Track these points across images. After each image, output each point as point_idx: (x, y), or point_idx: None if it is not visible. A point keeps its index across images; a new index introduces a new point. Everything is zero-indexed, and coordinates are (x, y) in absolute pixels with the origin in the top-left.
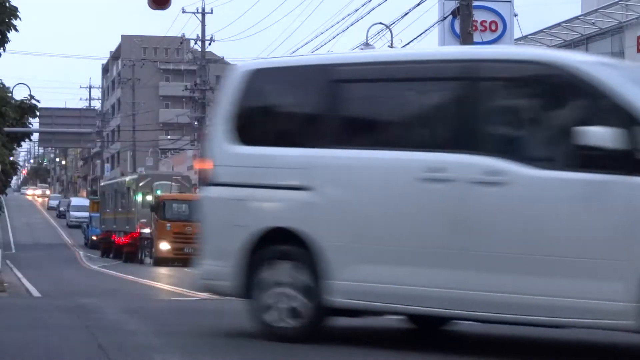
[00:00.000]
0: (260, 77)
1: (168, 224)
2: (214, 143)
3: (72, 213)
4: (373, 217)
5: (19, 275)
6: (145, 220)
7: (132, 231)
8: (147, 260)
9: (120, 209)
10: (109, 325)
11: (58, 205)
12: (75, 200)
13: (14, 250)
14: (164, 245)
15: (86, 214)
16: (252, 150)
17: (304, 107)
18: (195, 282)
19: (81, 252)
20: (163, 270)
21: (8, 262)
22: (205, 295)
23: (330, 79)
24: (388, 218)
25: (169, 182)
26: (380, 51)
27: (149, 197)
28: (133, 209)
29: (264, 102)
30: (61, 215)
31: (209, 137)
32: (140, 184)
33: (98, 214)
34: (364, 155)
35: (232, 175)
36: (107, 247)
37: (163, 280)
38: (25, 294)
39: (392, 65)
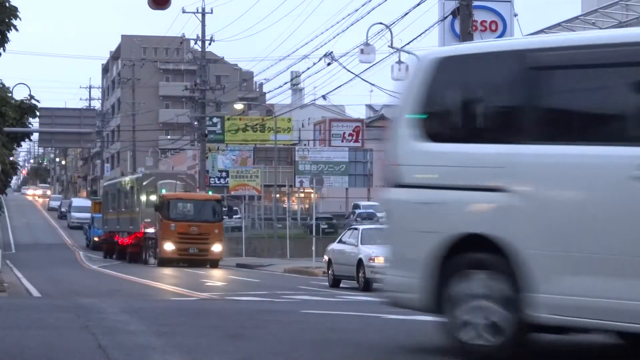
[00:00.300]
0: (449, 66)
1: (172, 224)
2: (398, 140)
3: (73, 214)
4: (580, 221)
5: (19, 275)
6: (149, 220)
7: (136, 231)
8: (152, 260)
9: (123, 209)
10: (109, 325)
11: (60, 206)
12: (76, 201)
13: (14, 250)
14: (169, 246)
15: (87, 215)
16: (441, 147)
17: (499, 99)
18: (380, 295)
19: (81, 252)
20: (167, 271)
21: (8, 262)
22: (205, 295)
23: (530, 65)
24: (597, 222)
25: (174, 181)
26: (588, 33)
27: (153, 196)
28: (137, 209)
29: (454, 94)
30: (63, 217)
31: (392, 134)
32: (144, 183)
33: (100, 215)
34: (568, 152)
35: (418, 175)
36: (110, 248)
37: (163, 281)
38: (25, 294)
39: (600, 49)
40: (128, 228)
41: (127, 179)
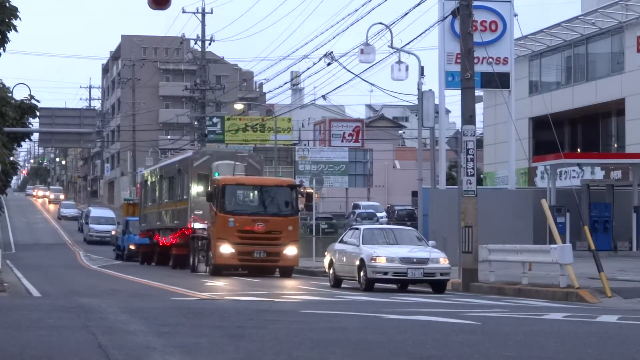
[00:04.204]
0: None
1: (231, 219)
2: None
3: (92, 226)
4: None
5: (19, 275)
6: (200, 213)
7: (182, 227)
8: (202, 267)
9: (167, 200)
10: (109, 325)
11: (80, 217)
12: (95, 211)
13: (14, 250)
14: (226, 248)
15: (110, 227)
16: None
17: None
18: None
19: (81, 252)
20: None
21: (8, 262)
22: (205, 295)
23: None
24: None
25: (232, 162)
26: None
27: (207, 181)
28: (185, 197)
29: None
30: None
31: None
32: (196, 164)
33: (135, 218)
34: None
35: None
36: (147, 251)
37: (163, 280)
38: (25, 294)
39: None
40: (172, 223)
41: (174, 160)
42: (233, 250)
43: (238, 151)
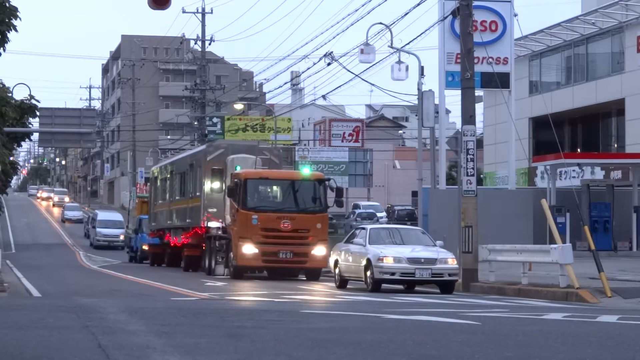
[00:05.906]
0: None
1: (254, 216)
2: None
3: (99, 230)
4: None
5: (19, 275)
6: (215, 210)
7: (195, 226)
8: (219, 269)
9: (178, 197)
10: (109, 325)
11: (87, 221)
12: (102, 214)
13: (14, 250)
14: (249, 248)
15: (117, 231)
16: None
17: None
18: None
19: (81, 252)
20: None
21: (8, 262)
22: (205, 295)
23: None
24: None
25: (252, 156)
26: None
27: (222, 177)
28: (198, 194)
29: None
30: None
31: None
32: (209, 158)
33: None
34: None
35: None
36: (157, 252)
37: (163, 280)
38: (25, 294)
39: None
40: (184, 222)
41: (185, 154)
42: (257, 251)
43: (260, 143)
